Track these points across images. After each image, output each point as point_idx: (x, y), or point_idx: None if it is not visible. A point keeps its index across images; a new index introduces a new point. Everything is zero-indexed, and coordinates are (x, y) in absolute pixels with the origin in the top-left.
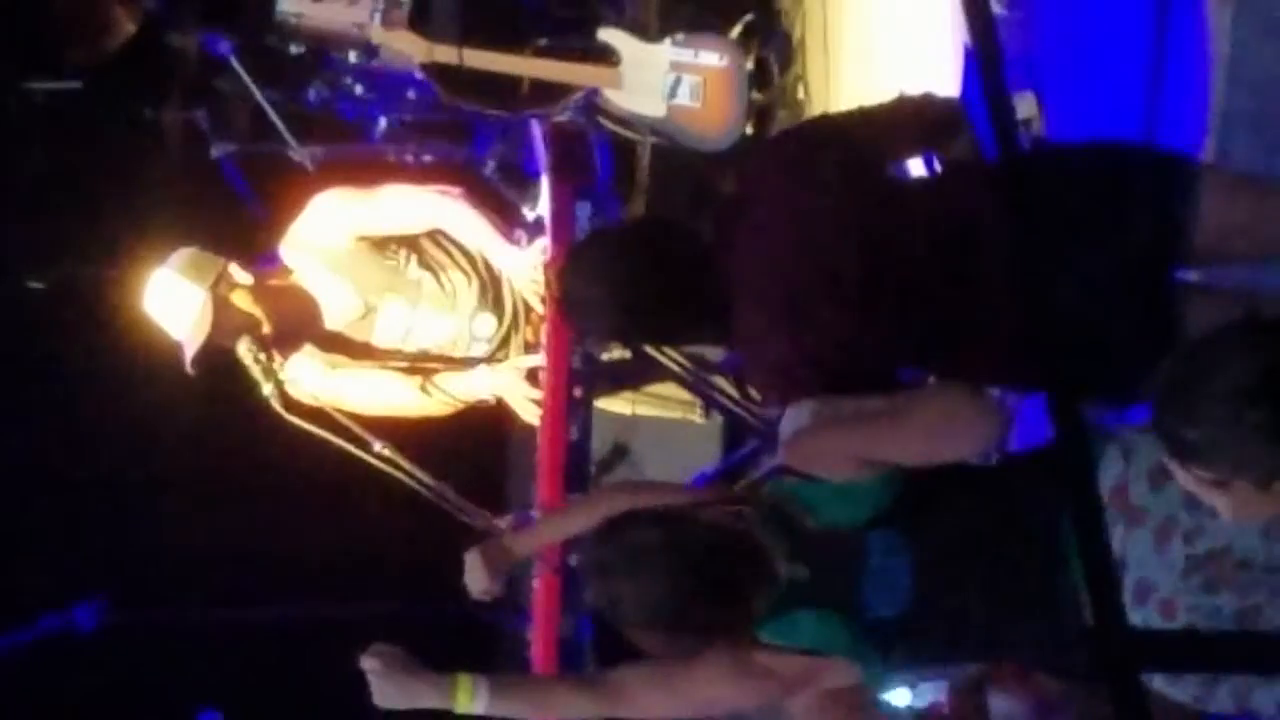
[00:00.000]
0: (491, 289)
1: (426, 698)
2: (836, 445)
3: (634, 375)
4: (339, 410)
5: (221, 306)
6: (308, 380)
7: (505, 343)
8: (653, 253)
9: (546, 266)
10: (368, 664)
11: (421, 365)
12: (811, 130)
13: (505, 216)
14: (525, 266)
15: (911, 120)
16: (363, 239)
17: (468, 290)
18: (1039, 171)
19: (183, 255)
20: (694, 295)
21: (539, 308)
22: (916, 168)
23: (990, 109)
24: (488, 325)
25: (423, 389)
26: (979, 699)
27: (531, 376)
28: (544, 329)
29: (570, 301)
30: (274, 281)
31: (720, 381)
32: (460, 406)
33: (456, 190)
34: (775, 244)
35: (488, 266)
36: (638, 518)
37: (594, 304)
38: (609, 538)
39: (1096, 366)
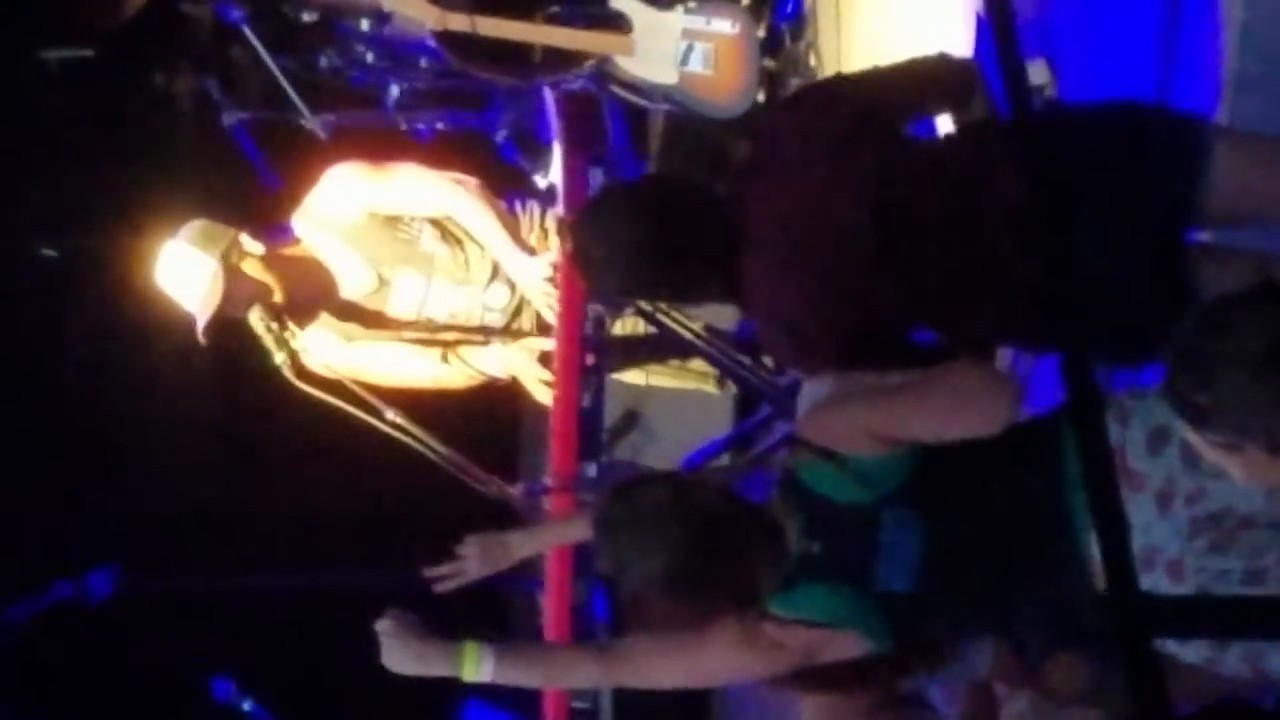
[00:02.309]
0: None
1: (435, 664)
2: (853, 421)
3: (648, 347)
4: (352, 380)
5: (233, 276)
6: (324, 352)
7: (518, 313)
8: (666, 208)
9: (560, 223)
10: (381, 626)
11: (436, 338)
12: (825, 90)
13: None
14: (535, 275)
15: (925, 80)
16: (375, 215)
17: (481, 262)
18: (1052, 131)
19: (193, 227)
20: (707, 251)
21: (549, 317)
22: (935, 127)
23: (1003, 70)
24: (501, 296)
25: (438, 363)
26: (987, 695)
27: (544, 359)
28: (553, 299)
29: (583, 257)
30: (287, 251)
31: (734, 351)
32: (475, 381)
33: (473, 181)
34: (788, 202)
35: None
36: (650, 480)
37: (607, 260)
38: (619, 497)
39: (1109, 326)
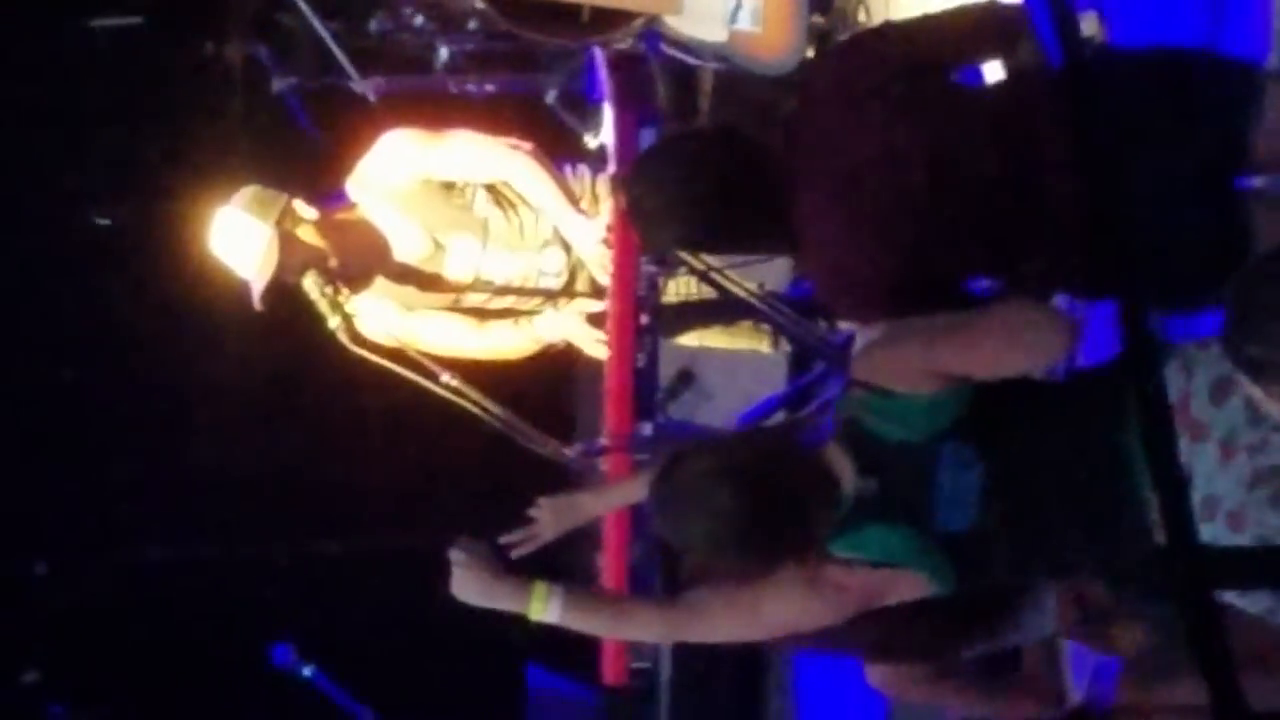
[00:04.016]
0: None
1: (502, 599)
2: (906, 357)
3: (701, 309)
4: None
5: (287, 242)
6: (380, 319)
7: (573, 278)
8: (718, 157)
9: (612, 178)
10: (454, 555)
11: (492, 306)
12: (875, 38)
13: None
14: (590, 237)
15: (975, 26)
16: (430, 180)
17: (534, 226)
18: (1103, 77)
19: (247, 193)
20: (760, 202)
21: (603, 280)
22: (982, 74)
23: (1054, 16)
24: (556, 261)
25: (493, 331)
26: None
27: (594, 319)
28: (609, 260)
29: (636, 209)
30: (340, 217)
31: (787, 309)
32: (530, 348)
33: (528, 145)
34: (840, 151)
35: None
36: (693, 451)
37: (661, 211)
38: (667, 474)
39: (1162, 273)
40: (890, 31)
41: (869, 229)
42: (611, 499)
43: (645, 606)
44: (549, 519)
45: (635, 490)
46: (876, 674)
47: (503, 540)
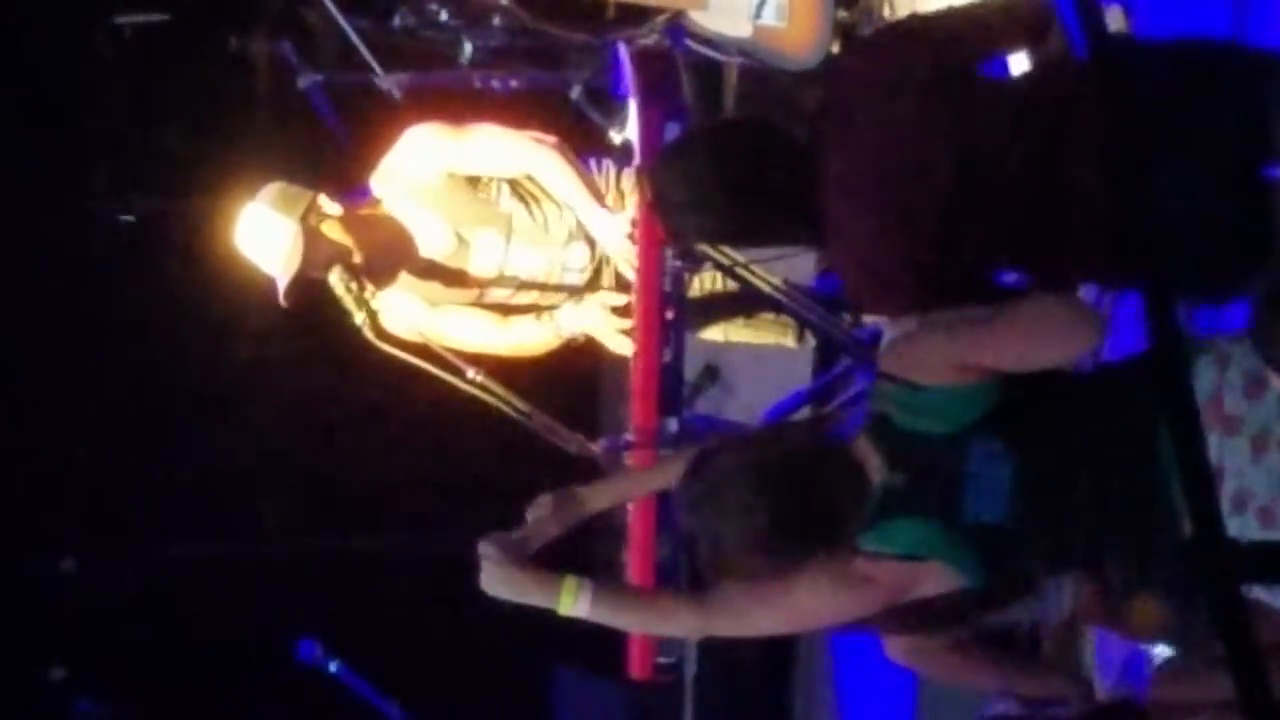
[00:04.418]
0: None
1: (532, 594)
2: (935, 349)
3: (727, 303)
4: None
5: (312, 237)
6: (406, 314)
7: (598, 273)
8: (744, 148)
9: (638, 171)
10: (484, 549)
11: (516, 301)
12: (902, 30)
13: (594, 178)
14: (615, 232)
15: (1001, 18)
16: (454, 175)
17: (559, 221)
18: (1129, 69)
19: (271, 189)
20: (786, 192)
21: (629, 275)
22: (1008, 66)
23: (1080, 7)
24: (580, 255)
25: (519, 326)
26: (1072, 634)
27: (618, 311)
28: (634, 256)
29: (662, 201)
30: (365, 213)
31: (813, 304)
32: (555, 344)
33: (552, 139)
34: (867, 143)
35: None
36: (721, 449)
37: (686, 203)
38: (694, 475)
39: (1189, 265)
40: (916, 24)
41: (896, 223)
42: (616, 491)
43: (675, 601)
44: (551, 514)
45: (643, 482)
46: (896, 646)
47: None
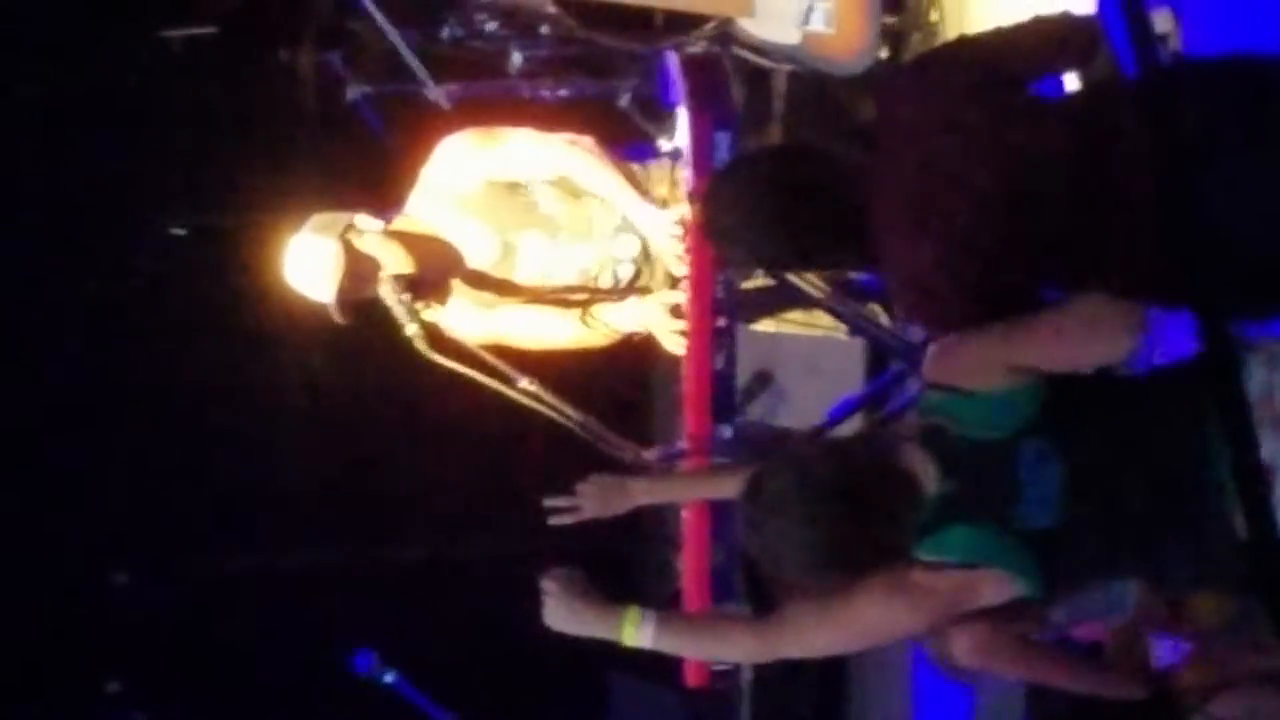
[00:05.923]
0: None
1: (594, 626)
2: (979, 354)
3: (777, 301)
4: (486, 348)
5: (354, 253)
6: (463, 322)
7: (649, 260)
8: (794, 177)
9: (690, 195)
10: (546, 584)
11: (571, 297)
12: (949, 53)
13: (635, 170)
14: (661, 227)
15: (1049, 39)
16: (494, 182)
17: (604, 216)
18: (1178, 87)
19: (311, 220)
20: (836, 217)
21: (676, 270)
22: (1063, 86)
23: (1129, 25)
24: (631, 245)
25: (578, 322)
26: (1139, 633)
27: (675, 310)
28: (682, 251)
29: (714, 228)
30: (409, 227)
31: (863, 308)
32: (615, 338)
33: (587, 140)
34: (918, 166)
35: None
36: (773, 468)
37: (738, 230)
38: (752, 496)
39: (1240, 280)
40: (964, 46)
41: (946, 244)
42: (665, 491)
43: (737, 626)
44: (594, 496)
45: (692, 487)
46: (963, 644)
47: (545, 503)
